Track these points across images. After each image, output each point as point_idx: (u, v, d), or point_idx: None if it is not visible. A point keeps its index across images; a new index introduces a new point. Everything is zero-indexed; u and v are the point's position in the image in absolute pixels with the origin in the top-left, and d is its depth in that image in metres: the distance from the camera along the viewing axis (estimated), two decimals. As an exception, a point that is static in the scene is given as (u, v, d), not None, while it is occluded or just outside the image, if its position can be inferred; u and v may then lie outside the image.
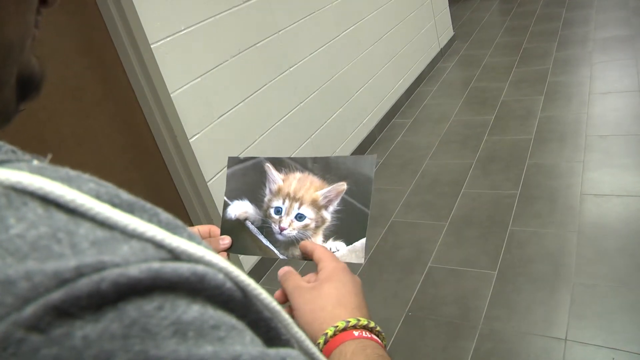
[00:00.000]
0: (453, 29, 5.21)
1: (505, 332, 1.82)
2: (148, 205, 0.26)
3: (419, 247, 2.37)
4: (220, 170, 2.18)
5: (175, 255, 0.24)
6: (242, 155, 0.72)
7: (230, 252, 0.65)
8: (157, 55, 1.88)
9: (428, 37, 4.50)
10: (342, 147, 3.13)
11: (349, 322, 0.48)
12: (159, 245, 0.24)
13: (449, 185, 2.78)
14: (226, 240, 0.65)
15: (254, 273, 2.38)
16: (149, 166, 2.04)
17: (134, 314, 0.21)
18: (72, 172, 0.25)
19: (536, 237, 2.23)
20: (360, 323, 0.48)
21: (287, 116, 2.61)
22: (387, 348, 1.82)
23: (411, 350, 1.85)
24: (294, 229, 0.64)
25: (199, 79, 2.06)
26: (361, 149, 3.33)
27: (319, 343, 0.47)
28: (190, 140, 2.02)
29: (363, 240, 0.61)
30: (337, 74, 3.07)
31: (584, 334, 1.72)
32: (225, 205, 0.68)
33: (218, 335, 0.23)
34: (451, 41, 5.07)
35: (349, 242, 0.62)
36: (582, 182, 2.50)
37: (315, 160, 0.65)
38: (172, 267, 0.23)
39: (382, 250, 2.42)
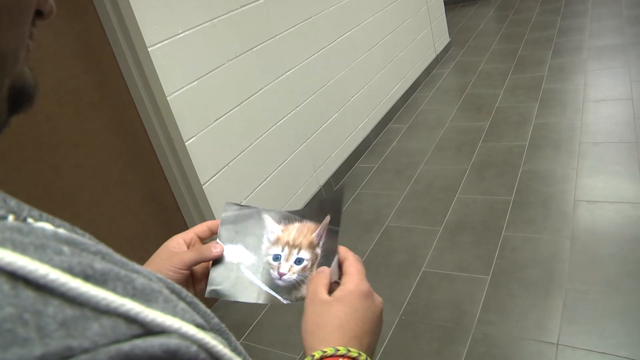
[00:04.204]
0: (449, 35, 5.25)
1: (498, 336, 1.83)
2: (122, 272, 0.25)
3: (413, 252, 2.38)
4: (216, 174, 2.19)
5: (148, 329, 0.23)
6: (242, 202, 0.72)
7: (223, 298, 0.64)
8: (154, 58, 1.89)
9: (424, 43, 4.53)
10: (338, 151, 3.14)
11: (338, 350, 0.48)
12: (132, 320, 0.23)
13: (443, 191, 2.80)
14: (218, 249, 0.64)
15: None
16: (145, 169, 2.04)
17: None
18: (48, 231, 0.24)
19: (529, 242, 2.24)
20: (350, 354, 0.48)
21: (282, 120, 2.62)
22: (380, 351, 1.81)
23: (404, 354, 1.86)
24: (293, 273, 0.64)
25: (195, 82, 2.07)
26: (357, 154, 3.34)
27: None
28: (186, 143, 2.03)
29: (336, 258, 0.61)
30: (333, 78, 3.08)
31: (576, 339, 1.73)
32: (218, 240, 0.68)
33: None
34: (447, 48, 5.10)
35: (328, 264, 0.63)
36: (575, 189, 2.52)
37: (311, 206, 0.68)
38: (142, 347, 0.22)
39: (376, 255, 2.43)
